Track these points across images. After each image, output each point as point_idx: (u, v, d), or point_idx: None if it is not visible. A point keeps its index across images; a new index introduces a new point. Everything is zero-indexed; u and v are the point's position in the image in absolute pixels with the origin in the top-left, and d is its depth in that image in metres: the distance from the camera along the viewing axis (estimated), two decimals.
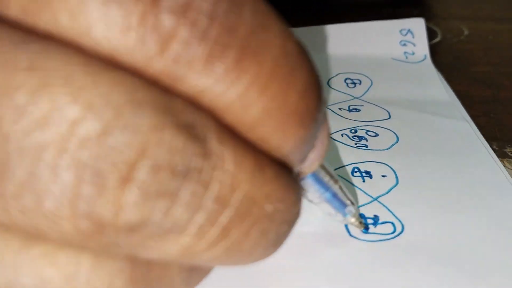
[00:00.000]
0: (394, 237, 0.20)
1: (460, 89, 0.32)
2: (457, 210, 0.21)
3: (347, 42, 0.37)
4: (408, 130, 0.27)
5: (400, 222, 0.20)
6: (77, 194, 0.10)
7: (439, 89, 0.32)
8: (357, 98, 0.31)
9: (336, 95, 0.31)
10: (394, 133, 0.27)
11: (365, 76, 0.34)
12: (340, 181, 0.18)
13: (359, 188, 0.22)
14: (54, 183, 0.09)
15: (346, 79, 0.34)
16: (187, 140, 0.10)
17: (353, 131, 0.27)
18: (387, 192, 0.22)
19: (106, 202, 0.10)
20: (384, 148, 0.25)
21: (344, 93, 0.32)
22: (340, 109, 0.30)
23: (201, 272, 0.14)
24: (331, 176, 0.17)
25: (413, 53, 0.37)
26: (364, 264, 0.18)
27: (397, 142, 0.26)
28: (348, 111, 0.29)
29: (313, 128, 0.13)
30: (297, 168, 0.14)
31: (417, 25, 0.37)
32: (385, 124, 0.28)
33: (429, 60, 0.36)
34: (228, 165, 0.11)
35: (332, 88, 0.32)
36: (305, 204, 0.14)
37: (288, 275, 0.18)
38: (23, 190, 0.10)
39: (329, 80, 0.33)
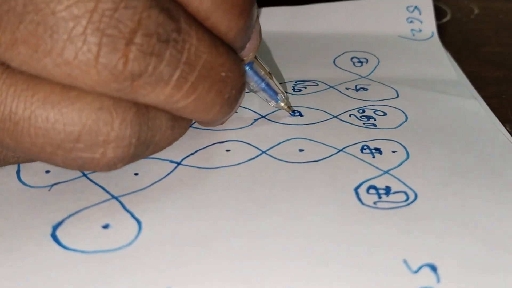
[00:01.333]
0: (408, 204, 0.19)
1: (471, 70, 0.31)
2: (471, 178, 0.20)
3: (353, 19, 0.36)
4: (416, 108, 0.26)
5: (413, 191, 0.20)
6: (99, 51, 0.15)
7: (447, 68, 0.31)
8: (364, 77, 0.30)
9: (342, 74, 0.30)
10: (402, 112, 0.26)
11: (372, 54, 0.33)
12: (273, 77, 0.24)
13: (369, 163, 0.21)
14: (85, 43, 0.15)
15: (352, 57, 0.33)
16: (166, 18, 0.16)
17: (361, 111, 0.26)
18: (398, 166, 0.21)
19: (118, 57, 0.15)
20: (393, 127, 0.24)
21: (351, 72, 0.31)
22: (347, 88, 0.28)
23: (181, 124, 0.20)
24: (266, 71, 0.23)
25: (420, 30, 0.35)
26: (378, 232, 0.18)
27: (406, 120, 0.25)
28: (355, 91, 0.28)
29: (250, 20, 0.19)
30: (239, 53, 0.20)
31: (424, 1, 0.36)
32: (393, 103, 0.27)
33: (436, 38, 0.35)
34: (193, 39, 0.17)
35: (339, 67, 0.31)
36: None
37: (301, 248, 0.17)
38: (65, 48, 0.15)
39: (335, 59, 0.32)
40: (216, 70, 0.18)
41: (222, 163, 0.21)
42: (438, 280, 0.16)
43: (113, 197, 0.19)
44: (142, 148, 0.18)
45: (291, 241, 0.17)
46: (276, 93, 0.24)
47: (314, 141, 0.23)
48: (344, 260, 0.16)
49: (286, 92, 0.26)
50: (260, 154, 0.22)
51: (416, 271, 0.16)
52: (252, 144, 0.23)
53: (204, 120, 0.20)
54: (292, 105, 0.25)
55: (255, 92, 0.24)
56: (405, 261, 0.16)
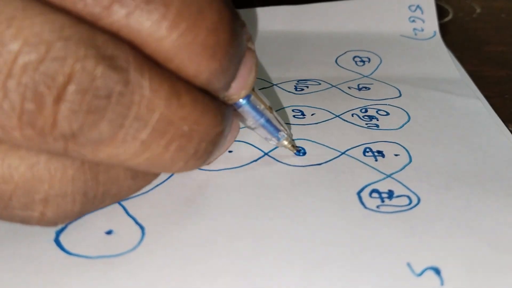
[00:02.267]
0: (411, 208, 0.19)
1: (473, 70, 0.31)
2: (474, 183, 0.20)
3: (355, 18, 0.36)
4: (419, 108, 0.26)
5: (416, 195, 0.20)
6: (22, 109, 0.13)
7: (449, 67, 0.31)
8: (366, 76, 0.30)
9: (345, 74, 0.30)
10: (405, 111, 0.26)
11: (374, 53, 0.33)
12: (274, 112, 0.21)
13: (372, 167, 0.21)
14: (4, 100, 0.13)
15: (354, 57, 0.32)
16: (107, 69, 0.13)
17: (363, 110, 0.26)
18: (401, 170, 0.21)
19: (44, 115, 0.13)
20: (395, 128, 0.24)
21: (353, 71, 0.31)
22: (349, 87, 0.28)
23: (146, 176, 0.18)
24: (266, 105, 0.20)
25: (422, 30, 0.35)
26: (381, 235, 0.18)
27: (408, 121, 0.25)
28: (357, 90, 0.28)
29: (227, 61, 0.16)
30: (222, 95, 0.17)
31: (426, 0, 0.36)
32: (395, 102, 0.27)
33: (438, 37, 0.35)
34: (145, 90, 0.14)
35: (341, 66, 0.31)
36: None
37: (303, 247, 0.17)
38: None
39: (337, 58, 0.32)
40: (176, 124, 0.15)
41: (225, 165, 0.21)
42: (442, 283, 0.16)
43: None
44: (94, 204, 0.17)
45: (294, 245, 0.17)
46: (278, 130, 0.21)
47: (317, 143, 0.23)
48: (347, 264, 0.16)
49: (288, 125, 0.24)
50: (263, 156, 0.22)
51: (420, 274, 0.16)
52: (255, 145, 0.22)
53: (166, 172, 0.18)
54: (296, 144, 0.22)
55: (253, 129, 0.21)
56: (408, 264, 0.16)
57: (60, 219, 0.16)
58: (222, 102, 0.17)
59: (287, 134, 0.21)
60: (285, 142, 0.21)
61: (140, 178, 0.18)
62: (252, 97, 0.20)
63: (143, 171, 0.17)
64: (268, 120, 0.20)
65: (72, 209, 0.16)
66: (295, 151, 0.22)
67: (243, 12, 0.36)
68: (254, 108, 0.20)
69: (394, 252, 0.17)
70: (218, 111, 0.16)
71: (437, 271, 0.16)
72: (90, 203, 0.16)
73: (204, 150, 0.17)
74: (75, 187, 0.15)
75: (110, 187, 0.17)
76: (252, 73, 0.18)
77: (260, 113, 0.20)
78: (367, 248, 0.17)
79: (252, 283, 0.16)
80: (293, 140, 0.22)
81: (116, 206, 0.19)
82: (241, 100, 0.19)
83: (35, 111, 0.13)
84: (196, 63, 0.15)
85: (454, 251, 0.17)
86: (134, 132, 0.14)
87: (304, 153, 0.22)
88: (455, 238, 0.17)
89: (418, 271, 0.16)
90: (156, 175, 0.19)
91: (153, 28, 0.14)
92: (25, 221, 0.16)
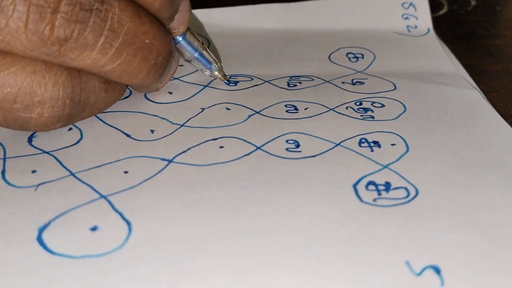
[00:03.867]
0: (409, 201, 0.18)
1: (469, 64, 0.30)
2: (473, 172, 0.20)
3: (348, 16, 0.36)
4: (415, 99, 0.25)
5: (414, 186, 0.19)
6: (28, 19, 0.17)
7: (445, 61, 0.30)
8: (360, 72, 0.29)
9: (338, 70, 0.30)
10: (401, 103, 0.25)
11: (368, 50, 0.32)
12: (207, 48, 0.26)
13: (368, 157, 0.20)
14: (15, 11, 0.17)
15: (348, 53, 0.32)
16: None
17: (358, 103, 0.25)
18: (398, 160, 0.20)
19: (45, 24, 0.17)
20: (391, 118, 0.24)
21: (347, 67, 0.30)
22: (343, 83, 0.28)
23: (114, 87, 0.22)
24: (199, 42, 0.25)
25: (416, 27, 0.35)
26: (378, 231, 0.17)
27: (404, 111, 0.24)
28: (351, 84, 0.27)
29: None
30: (168, 26, 0.22)
31: None
32: (390, 95, 0.26)
33: (433, 34, 0.34)
34: (115, 9, 0.19)
35: (334, 62, 0.31)
36: None
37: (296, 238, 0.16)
38: None
39: (330, 54, 0.32)
40: (139, 37, 0.20)
41: (216, 160, 0.20)
42: (442, 283, 0.15)
43: (102, 196, 0.18)
44: (78, 109, 0.20)
45: (288, 241, 0.16)
46: (210, 63, 0.26)
47: (310, 135, 0.22)
48: (343, 262, 0.16)
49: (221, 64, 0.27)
50: (255, 150, 0.21)
51: (419, 274, 0.15)
52: (247, 140, 0.22)
53: (134, 84, 0.22)
54: (227, 74, 0.27)
55: (190, 62, 0.26)
56: (407, 263, 0.16)
57: (55, 120, 0.20)
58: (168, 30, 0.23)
59: (218, 66, 0.26)
60: (216, 73, 0.26)
61: (110, 92, 0.22)
62: (188, 35, 0.24)
63: (116, 79, 0.21)
64: (201, 54, 0.25)
65: (63, 112, 0.20)
66: (225, 81, 0.27)
67: (235, 10, 0.35)
68: (190, 43, 0.25)
69: (392, 250, 0.16)
70: (168, 33, 0.22)
71: (437, 270, 0.15)
72: (76, 108, 0.20)
73: (161, 63, 0.21)
74: (64, 92, 0.19)
75: (89, 95, 0.21)
76: (188, 12, 0.23)
77: (194, 48, 0.25)
78: (364, 245, 0.16)
79: (244, 281, 0.15)
80: (223, 71, 0.27)
81: (102, 201, 0.18)
82: (178, 37, 0.24)
83: (37, 20, 0.17)
84: None
85: (454, 248, 0.16)
86: (110, 40, 0.19)
87: (236, 83, 0.27)
88: (455, 234, 0.17)
89: (418, 270, 0.15)
90: (123, 90, 0.23)
91: None
92: (25, 123, 0.19)
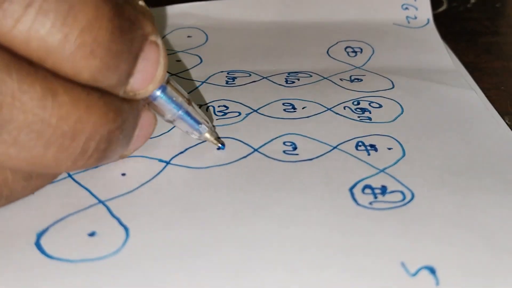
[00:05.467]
0: (404, 204, 0.18)
1: (468, 61, 0.30)
2: (470, 176, 0.20)
3: (346, 7, 0.35)
4: (412, 100, 0.25)
5: (410, 190, 0.19)
6: None
7: (443, 56, 0.30)
8: (358, 67, 0.29)
9: (336, 65, 0.30)
10: (398, 103, 0.25)
11: (366, 44, 0.32)
12: (194, 104, 0.20)
13: (364, 161, 0.21)
14: None
15: (346, 47, 0.32)
16: None
17: (355, 103, 0.25)
18: (394, 164, 0.21)
19: None
20: (388, 120, 0.24)
21: (345, 62, 0.30)
22: (341, 79, 0.28)
23: (40, 176, 0.18)
24: (184, 98, 0.20)
25: (416, 17, 0.35)
26: (374, 234, 0.17)
27: (401, 113, 0.24)
28: (350, 82, 0.27)
29: (112, 58, 0.16)
30: (121, 92, 0.17)
31: None
32: (388, 94, 0.26)
33: (432, 25, 0.34)
34: (14, 91, 0.14)
35: (332, 57, 0.31)
36: None
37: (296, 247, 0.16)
38: None
39: (328, 49, 0.32)
40: (54, 124, 0.15)
41: (213, 162, 0.20)
42: (438, 283, 0.15)
43: (100, 201, 0.18)
44: None
45: (285, 245, 0.17)
46: (199, 123, 0.20)
47: (308, 137, 0.22)
48: (340, 264, 0.16)
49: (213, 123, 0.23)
50: (252, 152, 0.21)
51: (415, 274, 0.16)
52: (244, 141, 0.22)
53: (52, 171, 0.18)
54: (220, 137, 0.22)
55: (172, 123, 0.20)
56: (402, 264, 0.16)
57: None
58: (120, 98, 0.17)
59: (208, 126, 0.21)
60: (207, 135, 0.21)
61: (34, 179, 0.17)
62: (168, 89, 0.19)
63: (29, 172, 0.17)
64: (187, 112, 0.20)
65: None
66: (220, 145, 0.21)
67: (232, 3, 0.35)
68: (171, 100, 0.19)
69: (388, 251, 0.16)
70: (110, 107, 0.16)
71: (432, 270, 0.16)
72: None
73: (95, 149, 0.16)
74: None
75: (1, 189, 0.16)
76: (159, 67, 0.18)
77: (178, 105, 0.20)
78: (360, 247, 0.17)
79: (242, 285, 0.15)
80: (216, 132, 0.21)
81: (100, 206, 0.18)
82: (156, 92, 0.19)
83: None
84: (71, 62, 0.15)
85: (449, 250, 0.16)
86: (9, 133, 0.14)
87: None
88: (451, 236, 0.17)
89: (413, 270, 0.16)
90: (54, 174, 0.19)
91: (17, 26, 0.14)
92: None
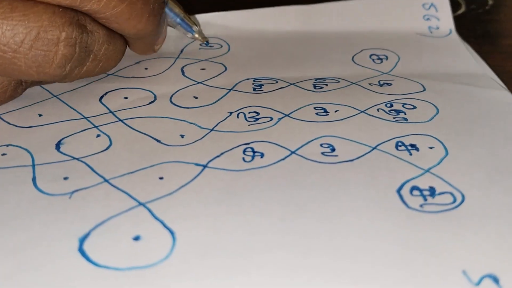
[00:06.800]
0: (456, 206, 0.18)
1: (493, 64, 0.30)
2: None
3: (368, 18, 0.35)
4: (446, 101, 0.25)
5: (459, 191, 0.18)
6: None
7: (470, 61, 0.30)
8: (386, 73, 0.29)
9: (363, 71, 0.29)
10: (432, 104, 0.25)
11: (391, 51, 0.32)
12: (187, 14, 0.30)
13: (407, 161, 0.20)
14: None
15: (371, 55, 0.31)
16: None
17: (388, 105, 0.25)
18: (439, 163, 0.20)
19: None
20: (425, 120, 0.23)
21: (372, 69, 0.29)
22: (370, 84, 0.27)
23: (116, 42, 0.24)
24: (180, 10, 0.29)
25: (438, 28, 0.34)
26: (430, 239, 0.16)
27: (437, 113, 0.24)
28: (379, 86, 0.27)
29: None
30: None
31: None
32: (421, 96, 0.25)
33: (455, 35, 0.33)
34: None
35: (358, 64, 0.30)
36: None
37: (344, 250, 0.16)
38: None
39: (353, 56, 0.31)
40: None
41: (251, 165, 0.20)
42: None
43: (140, 203, 0.17)
44: (85, 54, 0.22)
45: (339, 247, 0.16)
46: (191, 26, 0.30)
47: (345, 138, 0.22)
48: (396, 272, 0.15)
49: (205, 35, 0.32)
50: (290, 155, 0.21)
51: (478, 283, 0.15)
52: (280, 144, 0.21)
53: (138, 32, 0.24)
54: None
55: (173, 27, 0.30)
56: (464, 272, 0.15)
57: (68, 59, 0.22)
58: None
59: (197, 29, 0.31)
60: (197, 35, 0.31)
61: (112, 46, 0.24)
62: (169, 4, 0.29)
63: (123, 24, 0.23)
64: (182, 19, 0.30)
65: (74, 51, 0.22)
66: (205, 41, 0.32)
67: (252, 13, 0.35)
68: (171, 11, 0.29)
69: (448, 259, 0.15)
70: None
71: (495, 279, 0.15)
72: (83, 51, 0.22)
73: (157, 9, 0.24)
74: (77, 32, 0.21)
75: (93, 43, 0.23)
76: None
77: (176, 14, 0.29)
78: (417, 254, 0.16)
79: None
80: (202, 33, 0.32)
81: (141, 208, 0.17)
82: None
83: None
84: None
85: (509, 256, 0.16)
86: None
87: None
88: (509, 240, 0.16)
89: (476, 279, 0.15)
90: (123, 47, 0.25)
91: None
92: (44, 61, 0.21)
